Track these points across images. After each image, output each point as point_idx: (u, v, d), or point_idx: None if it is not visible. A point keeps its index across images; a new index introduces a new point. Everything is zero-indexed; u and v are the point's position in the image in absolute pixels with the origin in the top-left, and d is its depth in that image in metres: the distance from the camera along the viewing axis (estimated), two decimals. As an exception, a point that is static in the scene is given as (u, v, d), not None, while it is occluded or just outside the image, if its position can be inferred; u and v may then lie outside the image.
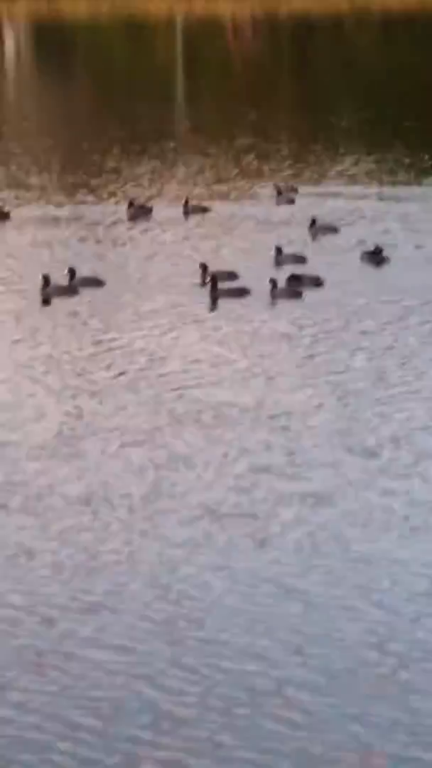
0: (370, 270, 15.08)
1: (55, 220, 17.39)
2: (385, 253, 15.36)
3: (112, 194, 19.26)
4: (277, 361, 11.29)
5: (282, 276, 13.97)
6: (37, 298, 13.32)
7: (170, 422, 9.73)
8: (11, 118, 27.24)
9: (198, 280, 13.56)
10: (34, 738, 5.70)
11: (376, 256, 15.47)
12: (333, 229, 17.18)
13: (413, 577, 7.14)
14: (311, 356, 11.45)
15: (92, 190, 19.53)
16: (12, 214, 17.12)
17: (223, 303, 13.01)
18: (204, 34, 42.73)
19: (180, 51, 38.09)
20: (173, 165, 22.21)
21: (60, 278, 13.53)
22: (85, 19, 46.72)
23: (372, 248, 15.65)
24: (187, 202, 17.89)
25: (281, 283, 13.77)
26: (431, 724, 5.61)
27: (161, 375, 11.01)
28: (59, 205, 18.39)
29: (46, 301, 13.40)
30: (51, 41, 41.98)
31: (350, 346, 11.65)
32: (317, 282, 14.28)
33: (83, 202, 18.46)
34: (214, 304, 13.07)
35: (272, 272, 14.04)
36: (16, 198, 18.67)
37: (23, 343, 12.02)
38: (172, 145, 23.64)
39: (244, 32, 41.56)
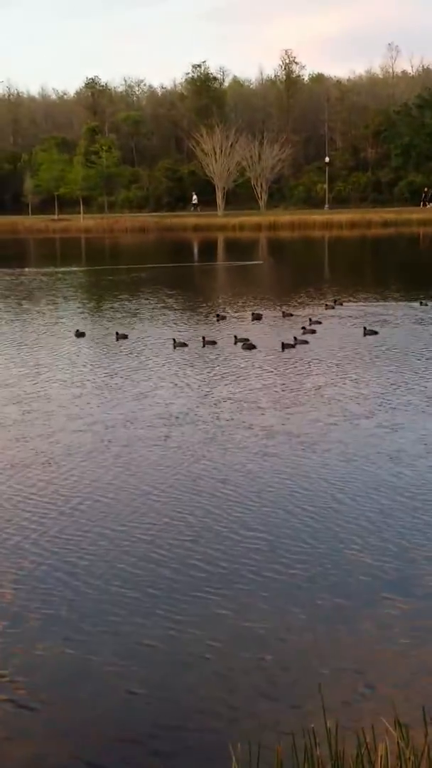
0: (362, 338, 22.22)
1: (243, 318, 26.99)
2: (377, 331, 22.82)
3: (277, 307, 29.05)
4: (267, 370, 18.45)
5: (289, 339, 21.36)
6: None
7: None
8: (253, 280, 42.09)
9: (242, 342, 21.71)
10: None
11: (368, 331, 22.82)
12: (318, 322, 24.31)
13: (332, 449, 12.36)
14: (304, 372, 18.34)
15: (274, 307, 29.20)
16: (227, 317, 26.79)
17: (247, 351, 20.70)
18: (337, 243, 68.90)
19: (327, 250, 63.92)
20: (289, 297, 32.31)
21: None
22: (287, 237, 74.69)
23: (367, 327, 23.09)
24: (254, 314, 26.65)
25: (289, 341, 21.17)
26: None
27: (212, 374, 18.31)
28: (257, 309, 28.08)
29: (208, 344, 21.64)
30: (274, 247, 66.80)
31: (312, 363, 19.24)
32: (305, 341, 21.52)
33: (260, 312, 27.36)
34: (246, 350, 20.81)
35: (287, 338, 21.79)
36: (233, 311, 28.44)
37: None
38: (313, 288, 35.49)
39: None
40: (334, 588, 8.24)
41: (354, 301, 30.31)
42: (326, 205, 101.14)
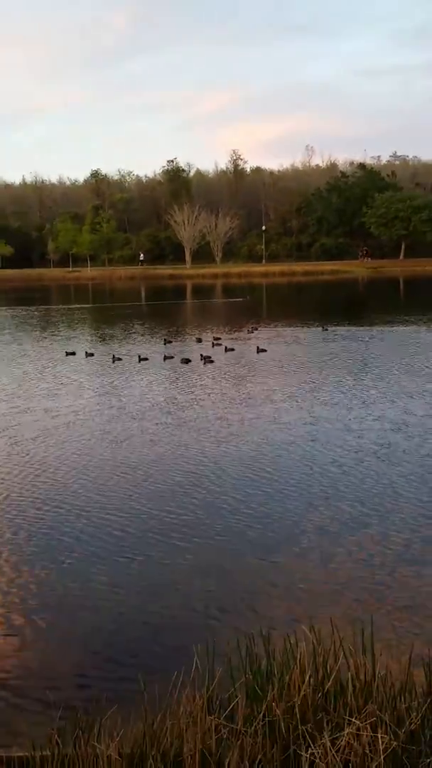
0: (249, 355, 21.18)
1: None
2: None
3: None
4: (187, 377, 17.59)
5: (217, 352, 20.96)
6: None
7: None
8: (210, 314, 38.72)
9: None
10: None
11: (229, 350, 21.86)
12: (219, 344, 22.97)
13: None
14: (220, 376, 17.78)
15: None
16: (173, 341, 24.63)
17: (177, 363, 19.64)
18: (272, 287, 64.27)
19: (265, 292, 62.57)
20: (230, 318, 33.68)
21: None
22: (236, 283, 70.14)
23: (260, 347, 21.91)
24: (197, 338, 25.16)
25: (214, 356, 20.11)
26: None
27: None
28: (200, 335, 26.22)
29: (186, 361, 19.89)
30: (237, 289, 59.19)
31: (233, 368, 18.84)
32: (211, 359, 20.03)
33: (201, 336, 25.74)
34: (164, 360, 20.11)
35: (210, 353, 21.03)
36: (181, 336, 26.59)
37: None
38: (252, 319, 32.74)
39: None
40: (263, 534, 8.07)
41: (273, 327, 29.34)
42: (264, 260, 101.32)
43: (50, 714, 4.84)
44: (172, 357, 20.91)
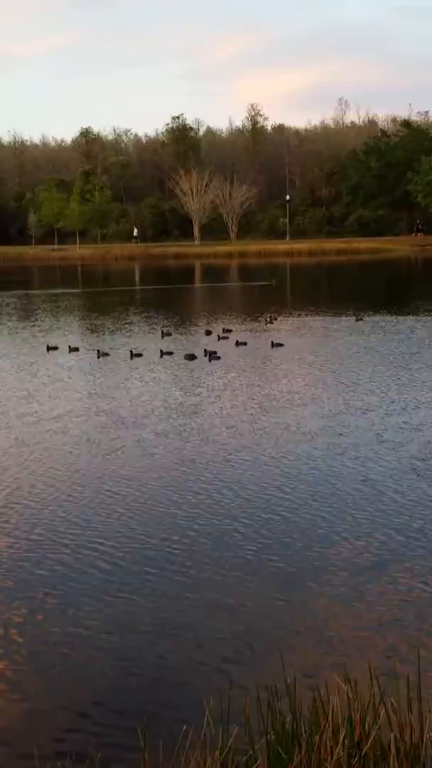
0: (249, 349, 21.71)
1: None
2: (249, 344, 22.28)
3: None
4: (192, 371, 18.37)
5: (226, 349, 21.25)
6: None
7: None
8: (220, 300, 39.39)
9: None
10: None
11: (241, 344, 22.31)
12: (226, 337, 23.47)
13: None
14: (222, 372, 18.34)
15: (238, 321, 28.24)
16: (172, 333, 25.11)
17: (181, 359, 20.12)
18: (297, 269, 64.78)
19: (288, 275, 59.57)
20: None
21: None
22: (254, 264, 70.33)
23: (273, 342, 22.22)
24: (207, 330, 25.54)
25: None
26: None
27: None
28: (209, 327, 26.26)
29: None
30: (255, 272, 60.55)
31: (230, 365, 19.23)
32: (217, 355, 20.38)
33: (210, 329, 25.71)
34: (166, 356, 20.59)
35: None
36: (183, 328, 26.94)
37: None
38: (273, 306, 32.72)
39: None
40: (285, 567, 8.04)
41: (297, 316, 29.73)
42: (287, 236, 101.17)
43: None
44: (172, 353, 21.03)
